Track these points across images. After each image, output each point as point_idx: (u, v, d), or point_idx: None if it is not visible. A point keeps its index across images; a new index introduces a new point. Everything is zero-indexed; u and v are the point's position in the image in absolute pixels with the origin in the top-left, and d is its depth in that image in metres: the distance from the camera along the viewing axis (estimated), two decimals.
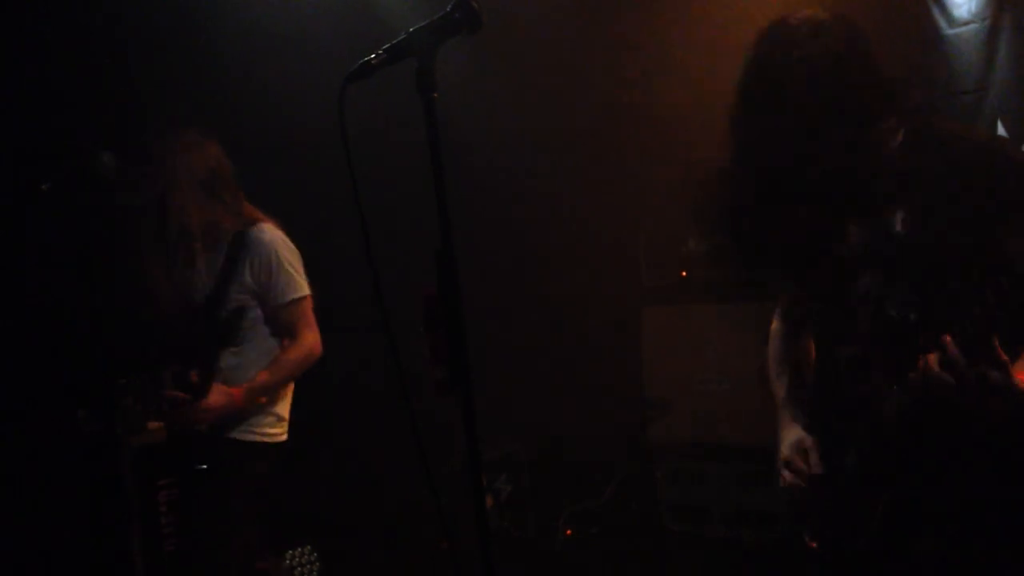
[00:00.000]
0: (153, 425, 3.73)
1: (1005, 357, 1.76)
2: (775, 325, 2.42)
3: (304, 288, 3.25)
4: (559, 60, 4.95)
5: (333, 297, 3.40)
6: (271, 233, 3.24)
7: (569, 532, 4.99)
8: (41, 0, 3.92)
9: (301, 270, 3.28)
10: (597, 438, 5.10)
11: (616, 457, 5.13)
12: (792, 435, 2.19)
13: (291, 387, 3.36)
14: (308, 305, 3.27)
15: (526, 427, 5.21)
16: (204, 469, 3.15)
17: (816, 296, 2.14)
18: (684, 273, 4.91)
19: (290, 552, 4.29)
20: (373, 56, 1.62)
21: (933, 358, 1.81)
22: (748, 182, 2.02)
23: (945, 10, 4.50)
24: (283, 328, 3.26)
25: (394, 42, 1.62)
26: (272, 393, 3.24)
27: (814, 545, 2.17)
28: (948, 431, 1.92)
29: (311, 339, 3.25)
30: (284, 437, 3.33)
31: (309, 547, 4.35)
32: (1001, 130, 4.27)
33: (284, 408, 3.33)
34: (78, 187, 3.30)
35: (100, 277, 3.78)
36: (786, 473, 2.18)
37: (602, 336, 5.08)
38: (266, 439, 3.25)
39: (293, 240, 3.32)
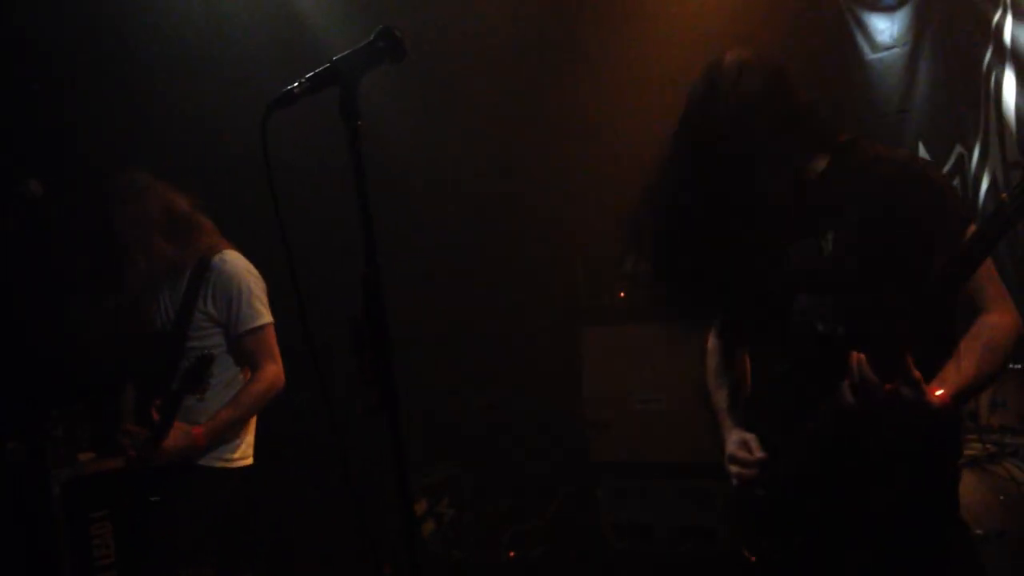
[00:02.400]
0: (85, 456, 3.66)
1: (917, 374, 1.83)
2: (711, 342, 2.49)
3: (265, 316, 3.19)
4: (494, 78, 4.99)
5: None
6: (232, 261, 3.19)
7: (512, 554, 4.99)
8: None
9: (264, 298, 3.22)
10: (538, 458, 5.12)
11: (558, 477, 5.15)
12: (735, 435, 2.25)
13: (255, 417, 3.30)
14: (270, 334, 3.20)
15: (467, 450, 5.21)
16: (156, 501, 3.07)
17: (750, 315, 2.20)
18: (623, 294, 4.98)
19: None
20: (296, 84, 1.63)
21: (846, 383, 1.87)
22: (680, 213, 2.08)
23: (868, 35, 4.66)
24: (245, 357, 3.20)
25: (317, 71, 1.63)
26: (235, 429, 3.18)
27: (753, 559, 2.21)
28: (868, 447, 1.98)
29: (272, 371, 3.18)
30: (249, 461, 3.26)
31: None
32: (922, 151, 4.42)
33: (248, 433, 3.27)
34: (5, 213, 3.25)
35: (30, 306, 3.71)
36: (734, 469, 2.22)
37: (542, 356, 5.11)
38: (229, 465, 3.19)
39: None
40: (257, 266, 3.24)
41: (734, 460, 2.21)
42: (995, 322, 1.97)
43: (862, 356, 1.85)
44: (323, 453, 4.07)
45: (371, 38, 1.65)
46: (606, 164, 4.69)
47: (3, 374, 3.69)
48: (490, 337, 5.18)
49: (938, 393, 1.86)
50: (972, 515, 3.06)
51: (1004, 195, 1.77)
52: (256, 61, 4.24)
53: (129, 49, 4.15)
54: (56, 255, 3.64)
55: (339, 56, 1.63)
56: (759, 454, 2.15)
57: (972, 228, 1.96)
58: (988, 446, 3.41)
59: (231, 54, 4.34)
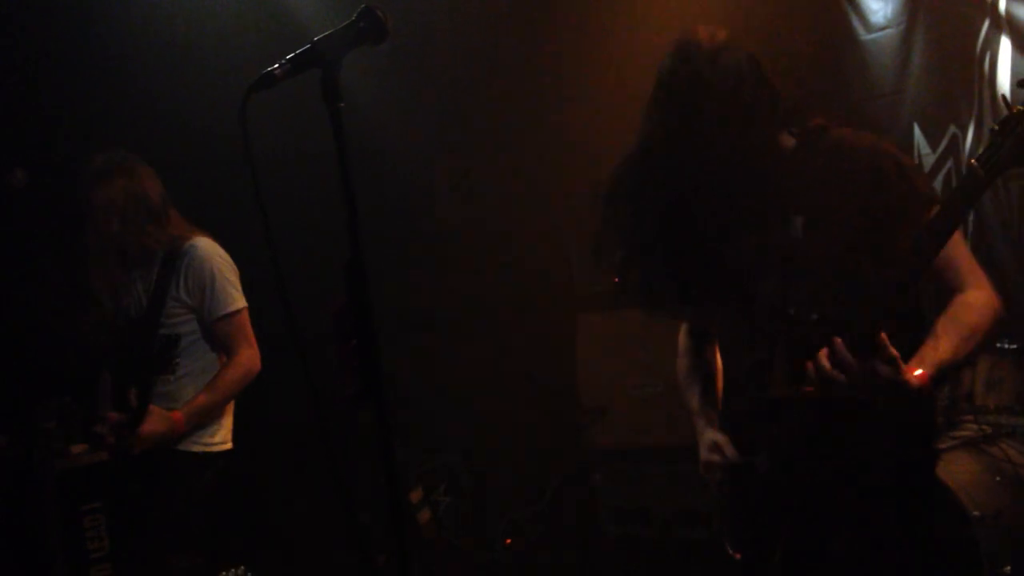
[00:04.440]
0: (77, 448, 3.63)
1: (895, 352, 1.82)
2: (682, 341, 2.49)
3: (239, 301, 3.21)
4: (483, 61, 4.96)
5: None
6: (203, 247, 3.19)
7: (509, 541, 4.99)
8: None
9: (237, 283, 3.23)
10: (534, 445, 5.11)
11: (554, 463, 5.15)
12: (707, 438, 2.23)
13: (232, 401, 3.30)
14: (244, 319, 3.22)
15: (463, 438, 5.19)
16: (140, 488, 3.08)
17: (719, 304, 2.19)
18: (617, 279, 4.95)
19: (224, 574, 4.21)
20: (277, 66, 1.60)
21: (823, 354, 1.86)
22: (648, 189, 2.06)
23: (862, 16, 4.63)
24: (220, 343, 3.22)
25: (298, 52, 1.60)
26: (213, 413, 3.19)
27: (738, 556, 2.21)
28: (846, 429, 1.96)
29: (248, 355, 3.20)
30: (228, 445, 3.27)
31: (243, 567, 4.27)
32: (917, 131, 4.40)
33: (226, 417, 3.28)
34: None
35: (16, 296, 3.68)
36: (709, 474, 2.21)
37: (537, 343, 5.09)
38: (209, 449, 3.21)
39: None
40: (240, 254, 3.24)
41: (708, 467, 2.21)
42: (971, 300, 1.97)
43: (838, 340, 1.85)
44: (314, 442, 4.04)
45: (353, 18, 1.62)
46: (601, 148, 4.65)
47: None
48: (485, 323, 5.17)
49: (917, 372, 1.86)
50: (968, 496, 3.05)
51: (973, 160, 1.77)
52: (241, 49, 4.21)
53: (112, 38, 4.13)
54: (39, 245, 3.62)
55: (320, 36, 1.60)
56: (731, 455, 2.15)
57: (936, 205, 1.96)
58: (984, 427, 3.40)
59: (215, 42, 4.30)
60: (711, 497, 2.31)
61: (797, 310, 2.02)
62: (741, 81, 1.99)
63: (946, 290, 2.01)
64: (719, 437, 2.20)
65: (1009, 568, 2.96)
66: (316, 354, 1.59)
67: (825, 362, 1.86)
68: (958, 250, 2.00)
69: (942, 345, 1.91)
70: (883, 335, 1.81)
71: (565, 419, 5.03)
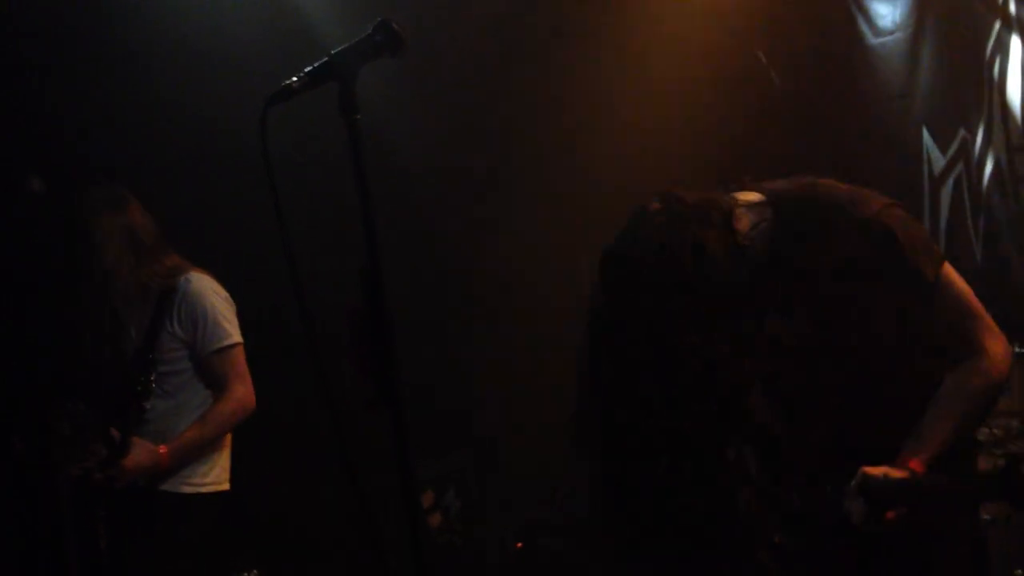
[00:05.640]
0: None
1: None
2: None
3: (233, 336, 3.16)
4: (500, 68, 4.97)
5: (261, 315, 3.36)
6: (198, 282, 3.17)
7: (520, 544, 4.99)
8: None
9: (232, 318, 3.20)
10: (545, 449, 5.11)
11: (565, 466, 5.15)
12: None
13: (228, 439, 3.25)
14: (238, 354, 3.18)
15: (474, 441, 5.21)
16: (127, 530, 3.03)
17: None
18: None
19: None
20: (295, 79, 1.62)
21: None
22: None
23: (870, 20, 4.63)
24: (213, 378, 3.17)
25: (315, 65, 1.62)
26: (202, 449, 3.14)
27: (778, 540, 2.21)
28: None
29: (241, 392, 3.14)
30: (224, 486, 3.22)
31: (256, 572, 4.29)
32: (926, 135, 4.40)
33: (222, 457, 3.23)
34: (7, 209, 3.25)
35: (34, 300, 3.71)
36: None
37: (548, 348, 5.09)
38: (200, 490, 3.15)
39: (219, 268, 3.25)
40: (254, 264, 3.24)
41: None
42: (964, 378, 1.93)
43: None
44: (327, 448, 4.06)
45: (369, 31, 1.64)
46: (612, 153, 4.67)
47: (8, 371, 3.69)
48: (495, 326, 5.18)
49: (911, 464, 1.87)
50: None
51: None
52: (253, 55, 4.23)
53: (125, 44, 4.14)
54: (53, 249, 3.63)
55: (337, 50, 1.62)
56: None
57: (944, 271, 1.94)
58: (994, 431, 3.41)
59: (227, 48, 4.32)
60: None
61: (824, 418, 2.00)
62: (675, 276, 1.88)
63: (954, 349, 1.96)
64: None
65: (1020, 571, 2.97)
66: (332, 358, 1.61)
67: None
68: (959, 308, 1.95)
69: (936, 434, 1.90)
70: (866, 470, 1.82)
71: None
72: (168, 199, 3.28)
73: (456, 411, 5.06)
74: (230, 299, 3.22)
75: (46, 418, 3.19)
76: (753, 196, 2.02)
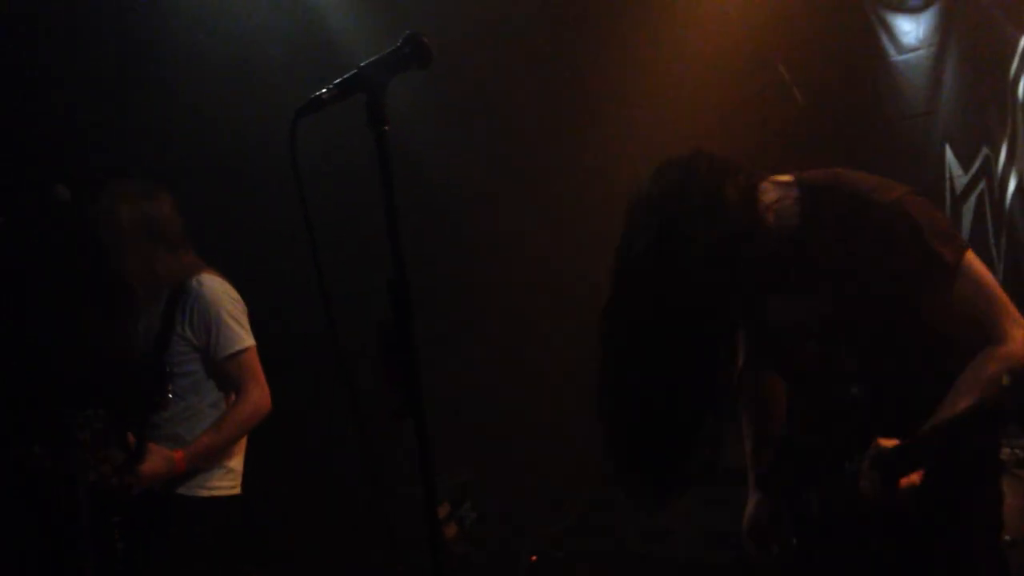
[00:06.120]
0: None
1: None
2: (741, 380, 2.44)
3: (245, 340, 3.14)
4: (521, 83, 4.99)
5: (286, 326, 3.36)
6: (209, 284, 3.13)
7: (534, 558, 4.98)
8: None
9: (244, 321, 3.17)
10: (562, 462, 5.10)
11: (580, 480, 5.14)
12: (751, 504, 2.26)
13: (243, 443, 3.24)
14: (251, 357, 3.15)
15: (490, 453, 5.20)
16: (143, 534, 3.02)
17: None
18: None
19: None
20: (324, 91, 1.64)
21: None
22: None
23: (893, 37, 4.62)
24: (227, 383, 3.16)
25: (344, 77, 1.64)
26: (218, 454, 3.12)
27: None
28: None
29: (257, 395, 3.12)
30: (237, 490, 3.21)
31: None
32: (949, 153, 4.39)
33: (236, 461, 3.21)
34: (33, 220, 3.28)
35: (55, 309, 3.74)
36: (746, 545, 2.26)
37: (567, 359, 5.09)
38: (216, 493, 3.14)
39: (246, 278, 3.25)
40: (277, 273, 3.24)
41: (746, 539, 2.25)
42: (981, 366, 1.93)
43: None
44: (346, 459, 4.07)
45: (398, 43, 1.65)
46: (637, 168, 4.66)
47: (29, 376, 3.72)
48: (512, 339, 5.18)
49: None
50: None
51: None
52: (278, 69, 4.27)
53: (153, 56, 4.19)
54: (77, 260, 3.66)
55: (366, 62, 1.64)
56: (770, 544, 2.18)
57: (967, 258, 1.95)
58: (1016, 451, 3.38)
59: (253, 61, 4.36)
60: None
61: (840, 388, 2.00)
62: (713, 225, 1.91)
63: (975, 336, 1.96)
64: (761, 510, 2.22)
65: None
66: (358, 368, 1.62)
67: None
68: (981, 295, 1.96)
69: (958, 405, 1.89)
70: (881, 441, 1.83)
71: (593, 437, 5.02)
72: (196, 210, 3.28)
73: (473, 423, 5.06)
74: (240, 300, 3.19)
75: (66, 425, 3.20)
76: (783, 177, 2.08)
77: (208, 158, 4.04)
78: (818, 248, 2.00)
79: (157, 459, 2.99)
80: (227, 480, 3.18)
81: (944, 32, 4.40)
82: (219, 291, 3.14)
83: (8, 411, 3.65)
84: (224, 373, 3.14)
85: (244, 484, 3.28)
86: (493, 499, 5.13)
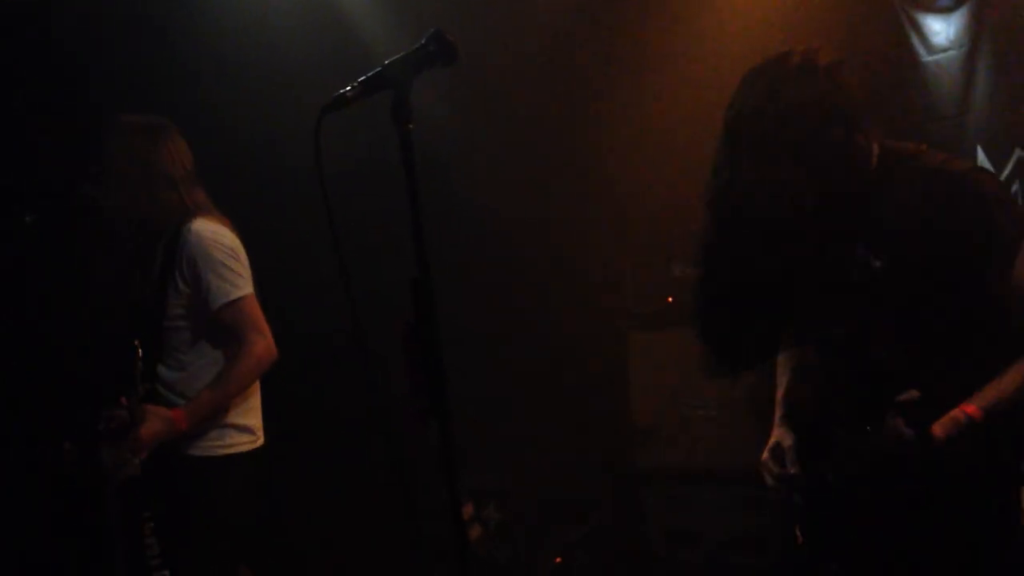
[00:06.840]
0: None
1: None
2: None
3: (239, 289, 2.92)
4: (543, 82, 4.99)
5: (309, 326, 3.37)
6: (199, 231, 2.92)
7: (559, 560, 4.97)
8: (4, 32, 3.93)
9: (238, 268, 2.96)
10: (586, 465, 5.09)
11: (605, 484, 5.12)
12: (774, 436, 2.26)
13: (256, 393, 3.08)
14: (251, 305, 2.94)
15: (514, 455, 5.19)
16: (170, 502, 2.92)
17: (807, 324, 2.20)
18: (671, 299, 4.93)
19: None
20: (349, 88, 1.64)
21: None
22: (730, 212, 2.06)
23: (924, 37, 4.57)
24: (225, 335, 2.95)
25: (369, 75, 1.64)
26: (221, 409, 2.94)
27: (800, 540, 2.23)
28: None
29: (260, 345, 2.91)
30: (258, 443, 3.05)
31: None
32: (981, 155, 4.33)
33: (251, 416, 3.04)
34: (62, 219, 3.30)
35: (84, 307, 3.77)
36: (765, 475, 2.25)
37: (589, 362, 5.08)
38: (233, 450, 2.99)
39: (272, 276, 3.12)
40: (304, 269, 3.19)
41: (765, 467, 2.23)
42: None
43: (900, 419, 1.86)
44: (364, 459, 4.07)
45: (423, 41, 1.65)
46: (656, 168, 4.65)
47: (59, 374, 3.76)
48: (537, 341, 5.17)
49: (969, 409, 1.88)
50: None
51: None
52: (303, 67, 4.29)
53: (176, 57, 4.22)
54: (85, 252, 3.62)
55: (391, 60, 1.64)
56: (790, 468, 2.16)
57: None
58: None
59: (275, 61, 4.39)
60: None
61: (876, 351, 2.01)
62: (822, 99, 1.99)
63: None
64: (785, 440, 2.20)
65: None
66: (382, 368, 1.62)
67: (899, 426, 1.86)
68: None
69: (1004, 384, 1.91)
70: (913, 392, 1.83)
71: (617, 439, 5.01)
72: (220, 209, 3.27)
73: (497, 425, 5.06)
74: (235, 247, 2.99)
75: (95, 420, 3.22)
76: None
77: (231, 156, 4.06)
78: (886, 205, 2.03)
79: (155, 420, 2.83)
80: (244, 436, 3.03)
81: (976, 32, 4.35)
82: (205, 239, 2.93)
83: (33, 409, 3.69)
84: (222, 324, 2.94)
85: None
86: (518, 500, 5.13)
